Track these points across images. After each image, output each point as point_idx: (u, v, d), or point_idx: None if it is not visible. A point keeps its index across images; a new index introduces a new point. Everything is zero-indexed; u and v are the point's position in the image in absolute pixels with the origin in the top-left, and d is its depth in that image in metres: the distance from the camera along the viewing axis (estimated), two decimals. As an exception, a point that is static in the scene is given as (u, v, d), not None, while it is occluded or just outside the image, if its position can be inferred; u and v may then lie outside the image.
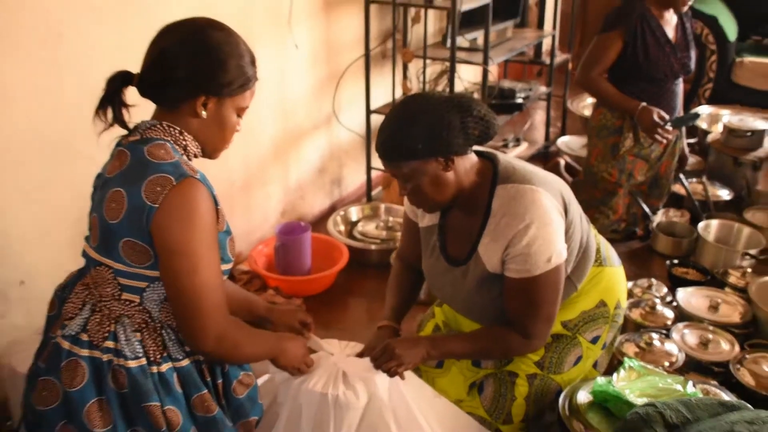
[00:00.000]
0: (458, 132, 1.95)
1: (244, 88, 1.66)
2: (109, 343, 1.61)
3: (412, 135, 1.92)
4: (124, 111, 1.65)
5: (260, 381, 2.11)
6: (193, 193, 1.54)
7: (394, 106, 2.05)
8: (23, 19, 2.32)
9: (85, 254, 1.70)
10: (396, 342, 2.11)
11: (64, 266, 1.89)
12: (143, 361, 1.62)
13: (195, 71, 1.59)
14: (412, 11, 4.05)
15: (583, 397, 2.28)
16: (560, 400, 2.29)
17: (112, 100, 1.63)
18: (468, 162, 2.06)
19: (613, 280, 2.40)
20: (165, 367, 1.65)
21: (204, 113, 1.62)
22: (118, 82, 1.63)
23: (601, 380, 2.28)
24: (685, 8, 3.39)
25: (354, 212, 3.90)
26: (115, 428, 1.62)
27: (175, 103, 1.62)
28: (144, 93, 1.64)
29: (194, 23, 1.64)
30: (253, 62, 1.68)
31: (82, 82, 2.50)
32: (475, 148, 2.10)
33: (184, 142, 1.64)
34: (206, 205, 1.57)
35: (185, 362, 1.69)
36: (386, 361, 2.05)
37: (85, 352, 1.61)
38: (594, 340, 2.38)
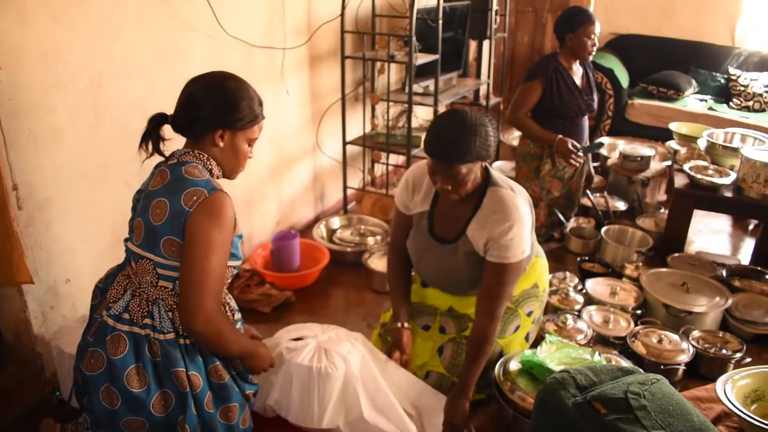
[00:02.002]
0: (495, 141, 2.07)
1: (252, 123, 1.69)
2: (147, 321, 1.62)
3: (476, 143, 1.99)
4: (161, 144, 1.70)
5: None
6: (221, 200, 1.59)
7: (450, 118, 2.03)
8: (71, 71, 2.29)
9: (128, 250, 1.70)
10: (460, 421, 2.14)
11: (101, 267, 1.87)
12: (173, 335, 1.63)
13: (214, 111, 1.62)
14: (378, 65, 4.05)
15: (514, 365, 2.29)
16: (496, 368, 2.30)
17: (151, 135, 1.67)
18: None
19: (543, 269, 2.51)
20: (190, 340, 1.66)
21: (221, 143, 1.66)
22: (156, 121, 1.67)
23: (528, 352, 2.30)
24: (590, 57, 3.43)
25: (334, 222, 3.88)
26: (149, 389, 1.62)
27: (200, 135, 1.66)
28: (176, 129, 1.68)
29: (214, 75, 1.68)
30: (260, 104, 1.71)
31: (117, 122, 2.48)
32: None
33: (210, 166, 1.68)
34: (230, 211, 1.60)
35: None
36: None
37: (126, 328, 1.62)
38: (529, 314, 2.43)
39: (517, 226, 2.09)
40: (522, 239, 2.11)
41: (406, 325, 2.35)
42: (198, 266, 1.55)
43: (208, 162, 1.67)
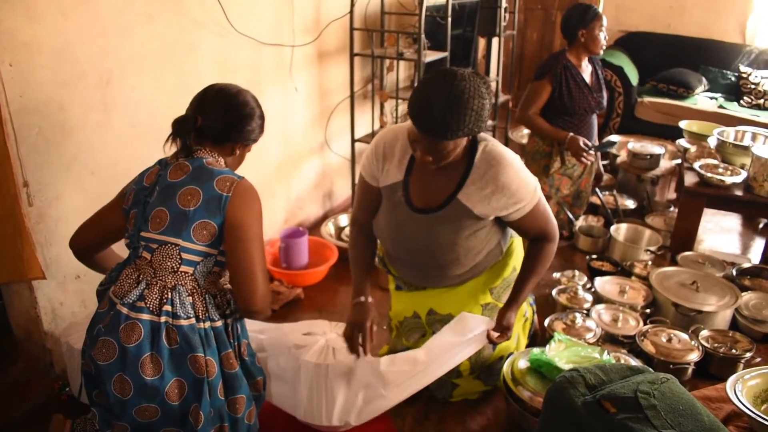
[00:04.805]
0: (490, 110, 1.87)
1: (257, 140, 1.90)
2: (167, 307, 1.65)
3: (468, 117, 1.78)
4: (190, 143, 1.80)
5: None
6: (251, 187, 1.77)
7: (442, 85, 1.78)
8: (81, 68, 2.30)
9: (142, 239, 1.72)
10: (507, 328, 2.17)
11: (110, 264, 1.87)
12: (193, 320, 1.67)
13: (247, 131, 1.82)
14: (387, 62, 4.05)
15: (522, 364, 2.29)
16: (504, 368, 2.30)
17: (185, 134, 1.77)
18: None
19: (518, 248, 2.37)
20: (207, 324, 1.71)
21: (237, 152, 1.85)
22: (191, 123, 1.76)
23: (536, 350, 2.29)
24: (602, 51, 3.41)
25: (342, 219, 3.88)
26: (163, 376, 1.63)
27: (222, 143, 1.81)
28: (200, 132, 1.78)
29: (246, 94, 1.83)
30: (264, 120, 1.89)
31: (126, 120, 2.48)
32: None
33: (220, 164, 1.82)
34: (258, 196, 1.78)
35: (219, 323, 1.75)
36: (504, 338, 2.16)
37: (144, 317, 1.64)
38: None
39: (517, 168, 1.99)
40: (529, 178, 2.02)
41: (370, 299, 2.20)
42: (254, 249, 1.71)
43: (218, 160, 1.80)
